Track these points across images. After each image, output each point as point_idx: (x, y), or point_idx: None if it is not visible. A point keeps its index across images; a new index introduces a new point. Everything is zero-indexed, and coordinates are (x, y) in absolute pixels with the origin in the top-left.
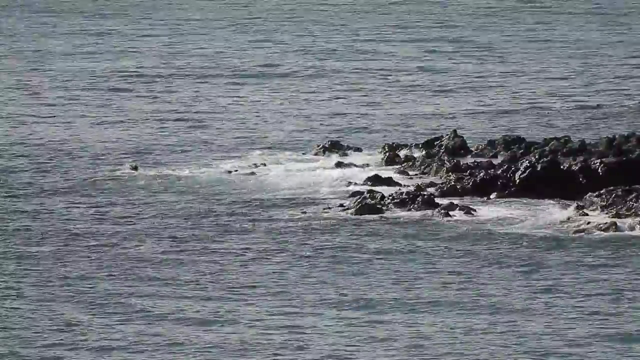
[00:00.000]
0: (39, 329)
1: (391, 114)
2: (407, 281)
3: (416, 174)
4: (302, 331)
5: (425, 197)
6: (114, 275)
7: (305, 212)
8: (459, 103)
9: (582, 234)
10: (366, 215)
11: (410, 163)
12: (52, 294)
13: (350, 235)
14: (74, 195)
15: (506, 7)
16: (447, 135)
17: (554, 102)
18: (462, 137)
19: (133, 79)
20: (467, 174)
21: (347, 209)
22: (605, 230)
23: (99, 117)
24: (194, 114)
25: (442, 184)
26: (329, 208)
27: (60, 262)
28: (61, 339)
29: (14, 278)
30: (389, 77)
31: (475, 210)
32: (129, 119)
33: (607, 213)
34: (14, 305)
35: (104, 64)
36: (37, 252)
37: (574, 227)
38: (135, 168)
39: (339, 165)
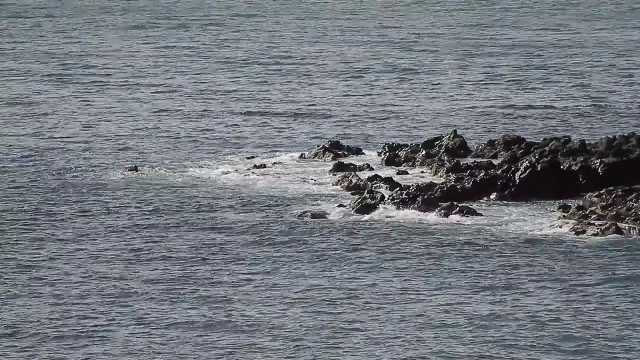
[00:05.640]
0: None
1: (391, 114)
2: (406, 281)
3: (416, 174)
4: (302, 330)
5: (425, 197)
6: (115, 275)
7: (305, 213)
8: (459, 103)
9: (582, 234)
10: (366, 215)
11: (410, 163)
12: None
13: (350, 235)
14: (72, 195)
15: (508, 8)
16: (447, 135)
17: (555, 103)
18: (462, 137)
19: (133, 78)
20: (467, 174)
21: (347, 208)
22: (605, 231)
23: (98, 116)
24: (195, 114)
25: (442, 184)
26: (329, 208)
27: (59, 263)
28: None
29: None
30: (388, 77)
31: (475, 211)
32: (129, 118)
33: (606, 213)
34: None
35: (103, 63)
36: (34, 257)
37: (574, 227)
38: (135, 168)
39: (338, 165)
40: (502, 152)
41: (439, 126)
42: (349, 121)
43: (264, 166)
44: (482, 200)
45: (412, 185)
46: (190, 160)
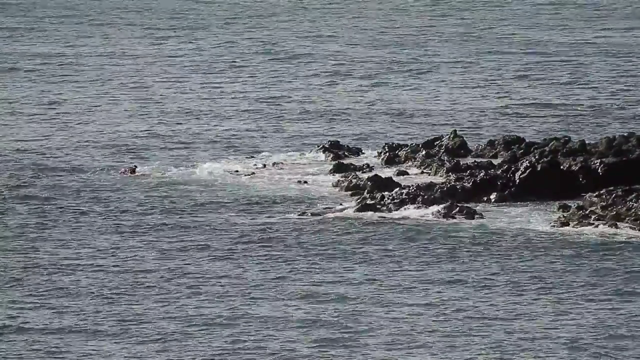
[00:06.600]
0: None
1: (392, 114)
2: (406, 281)
3: (416, 174)
4: (302, 328)
5: (425, 197)
6: (115, 274)
7: (305, 212)
8: (459, 103)
9: (582, 235)
10: (366, 215)
11: (410, 163)
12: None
13: (350, 235)
14: (72, 195)
15: (509, 7)
16: (447, 135)
17: (556, 102)
18: (462, 137)
19: (133, 78)
20: (467, 174)
21: (347, 209)
22: (605, 230)
23: (98, 116)
24: (194, 114)
25: (442, 184)
26: (329, 208)
27: (61, 266)
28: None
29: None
30: (388, 77)
31: (475, 211)
32: (128, 119)
33: (606, 213)
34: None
35: (103, 63)
36: (34, 256)
37: (574, 227)
38: (135, 168)
39: (338, 165)
40: (502, 152)
41: (439, 126)
42: (349, 121)
43: (264, 166)
44: (482, 200)
45: (412, 185)
46: (190, 160)
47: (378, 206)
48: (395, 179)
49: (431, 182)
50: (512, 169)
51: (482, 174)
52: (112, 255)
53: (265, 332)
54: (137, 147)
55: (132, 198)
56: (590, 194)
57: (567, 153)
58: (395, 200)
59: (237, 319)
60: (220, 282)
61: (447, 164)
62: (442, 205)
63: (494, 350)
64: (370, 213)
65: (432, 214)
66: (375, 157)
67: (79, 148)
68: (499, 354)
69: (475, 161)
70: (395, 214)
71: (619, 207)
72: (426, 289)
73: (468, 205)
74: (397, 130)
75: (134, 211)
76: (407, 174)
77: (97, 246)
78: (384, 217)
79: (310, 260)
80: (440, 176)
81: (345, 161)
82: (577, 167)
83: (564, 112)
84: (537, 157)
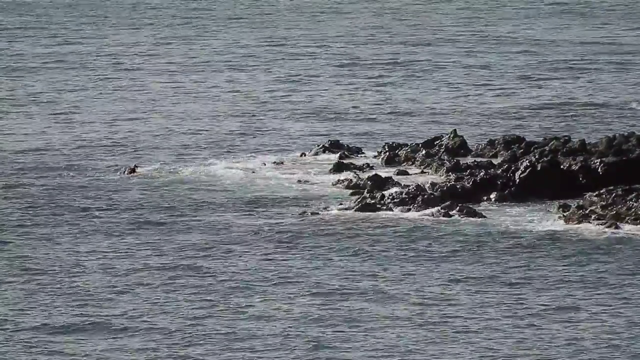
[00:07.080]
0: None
1: (392, 113)
2: (406, 280)
3: (416, 174)
4: (300, 326)
5: (425, 197)
6: (114, 273)
7: (305, 212)
8: (459, 103)
9: (582, 234)
10: (366, 215)
11: (410, 163)
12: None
13: (350, 234)
14: (73, 195)
15: (510, 6)
16: (447, 135)
17: (555, 102)
18: (462, 137)
19: (133, 78)
20: (467, 173)
21: (347, 208)
22: (605, 229)
23: (98, 116)
24: (194, 114)
25: (442, 183)
26: (329, 208)
27: (63, 267)
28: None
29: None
30: (389, 76)
31: (475, 211)
32: (128, 119)
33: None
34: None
35: (103, 63)
36: (34, 256)
37: (574, 226)
38: (135, 168)
39: (338, 165)
40: (502, 152)
41: (439, 126)
42: (349, 121)
43: (265, 165)
44: (482, 200)
45: (412, 185)
46: (191, 160)
47: (378, 206)
48: (395, 178)
49: (431, 182)
50: (512, 168)
51: (482, 174)
52: (112, 255)
53: (265, 331)
54: (137, 147)
55: (132, 198)
56: (590, 193)
57: (567, 153)
58: (395, 200)
59: (236, 319)
60: (219, 282)
61: (447, 163)
62: (442, 205)
63: (493, 350)
64: (370, 213)
65: (432, 213)
66: (375, 156)
67: (79, 148)
68: (499, 353)
69: (475, 161)
70: (395, 214)
71: (619, 206)
72: (426, 288)
73: (468, 205)
74: (397, 130)
75: (134, 211)
76: (407, 173)
77: (97, 246)
78: (384, 217)
79: (309, 259)
80: (440, 176)
81: (346, 161)
82: (577, 167)
83: (564, 112)
84: (537, 156)
